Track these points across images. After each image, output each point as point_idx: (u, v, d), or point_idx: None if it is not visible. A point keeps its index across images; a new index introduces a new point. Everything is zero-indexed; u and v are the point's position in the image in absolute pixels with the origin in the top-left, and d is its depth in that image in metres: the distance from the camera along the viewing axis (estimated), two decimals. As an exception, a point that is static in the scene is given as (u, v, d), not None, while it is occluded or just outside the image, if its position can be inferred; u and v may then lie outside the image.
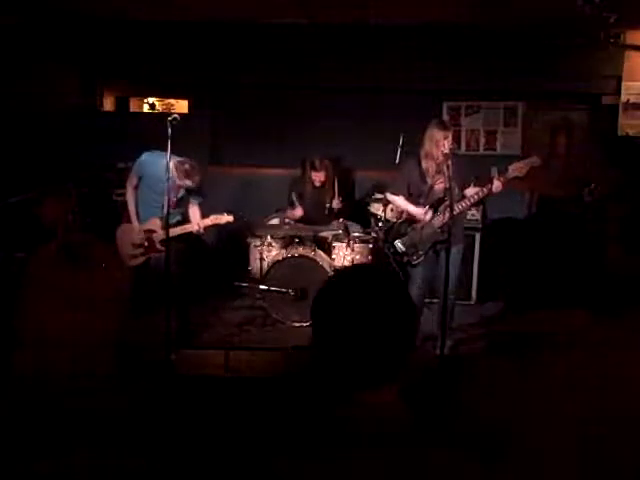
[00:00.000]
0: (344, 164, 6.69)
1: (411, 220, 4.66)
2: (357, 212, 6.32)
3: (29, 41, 5.83)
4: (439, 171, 4.45)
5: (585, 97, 6.71)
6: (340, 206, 5.86)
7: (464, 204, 4.43)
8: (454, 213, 4.14)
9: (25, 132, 5.72)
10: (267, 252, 5.50)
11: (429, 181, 4.54)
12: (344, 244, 5.45)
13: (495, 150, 6.89)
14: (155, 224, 4.71)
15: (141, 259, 4.80)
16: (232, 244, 6.40)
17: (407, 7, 5.38)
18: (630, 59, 6.34)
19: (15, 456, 1.24)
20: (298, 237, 5.50)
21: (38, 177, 5.58)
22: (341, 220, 5.79)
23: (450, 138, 4.38)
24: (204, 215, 4.82)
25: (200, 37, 6.60)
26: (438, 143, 4.36)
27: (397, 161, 5.25)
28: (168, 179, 4.21)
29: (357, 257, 5.48)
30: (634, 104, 6.41)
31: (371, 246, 5.52)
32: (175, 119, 4.10)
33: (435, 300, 4.88)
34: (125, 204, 4.89)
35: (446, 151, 4.27)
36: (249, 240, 5.70)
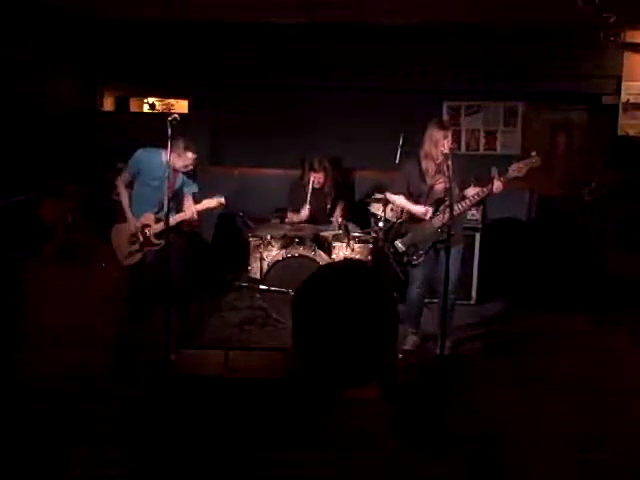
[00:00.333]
0: (344, 164, 6.70)
1: (411, 220, 4.66)
2: (357, 212, 6.32)
3: (29, 41, 5.83)
4: (439, 171, 4.45)
5: (585, 97, 6.70)
6: (341, 215, 5.88)
7: (464, 204, 4.43)
8: (454, 213, 4.13)
9: (25, 132, 5.73)
10: (267, 252, 5.50)
11: (429, 181, 4.54)
12: (344, 244, 5.45)
13: (495, 150, 6.89)
14: (149, 219, 4.75)
15: (137, 256, 4.81)
16: (232, 244, 6.40)
17: (407, 7, 5.39)
18: (630, 59, 6.35)
19: (16, 454, 1.24)
20: (298, 237, 5.50)
21: (38, 177, 5.58)
22: (341, 220, 5.79)
23: (450, 138, 4.38)
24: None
25: (200, 37, 6.60)
26: (438, 143, 4.36)
27: (397, 161, 5.25)
28: (168, 177, 4.21)
29: (357, 257, 5.48)
30: (634, 104, 6.41)
31: (371, 246, 5.52)
32: (175, 119, 4.11)
33: (435, 300, 4.88)
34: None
35: (446, 151, 4.27)
36: (249, 240, 5.70)
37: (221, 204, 4.82)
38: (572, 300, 5.42)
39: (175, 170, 4.68)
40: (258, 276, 5.41)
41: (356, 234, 5.61)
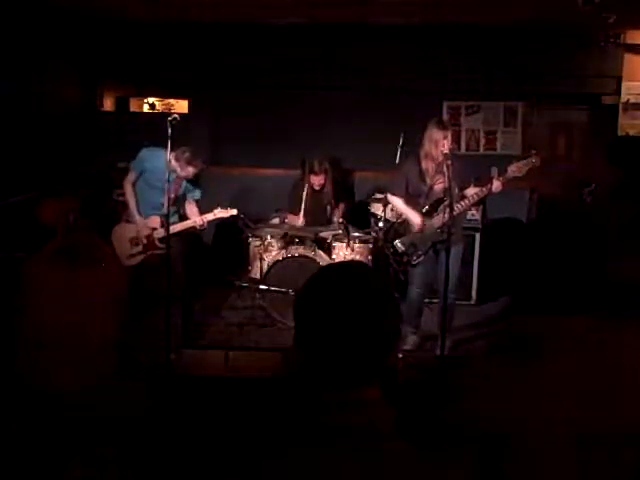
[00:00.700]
0: (344, 164, 6.70)
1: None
2: (357, 212, 6.32)
3: (29, 41, 5.83)
4: (439, 171, 4.45)
5: (585, 97, 6.71)
6: (341, 215, 5.89)
7: (464, 204, 4.43)
8: (454, 213, 4.13)
9: (25, 132, 5.72)
10: (267, 252, 5.49)
11: (428, 181, 4.54)
12: (344, 244, 5.45)
13: (495, 150, 6.88)
14: (155, 222, 4.71)
15: (139, 258, 4.79)
16: (232, 244, 6.40)
17: (408, 7, 5.39)
18: (630, 59, 6.35)
19: (14, 458, 1.24)
20: (298, 237, 5.50)
21: (38, 177, 5.58)
22: (341, 220, 5.79)
23: (450, 138, 4.38)
24: (202, 212, 4.83)
25: (200, 37, 6.61)
26: (438, 143, 4.36)
27: (397, 161, 5.25)
28: (169, 178, 4.21)
29: (357, 257, 5.48)
30: (634, 104, 6.41)
31: (371, 246, 5.52)
32: (175, 119, 4.11)
33: (435, 300, 4.88)
34: (125, 204, 4.88)
35: (446, 151, 4.27)
36: (249, 240, 5.69)
37: (233, 217, 4.81)
38: (573, 300, 5.42)
39: (177, 176, 4.66)
40: (258, 276, 5.41)
41: (356, 234, 5.61)
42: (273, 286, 5.25)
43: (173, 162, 4.45)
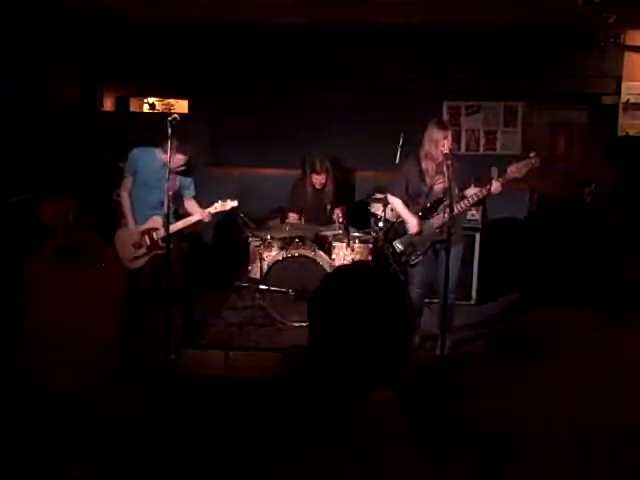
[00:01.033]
0: (344, 164, 6.69)
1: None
2: (357, 212, 6.32)
3: (29, 41, 5.83)
4: (439, 171, 4.44)
5: (585, 97, 6.71)
6: (342, 215, 5.89)
7: (464, 204, 4.42)
8: (454, 213, 4.13)
9: (25, 132, 5.72)
10: (267, 252, 5.49)
11: (428, 181, 4.54)
12: (344, 244, 5.45)
13: (495, 150, 6.89)
14: (156, 222, 4.70)
15: (143, 260, 4.79)
16: (232, 244, 6.40)
17: (408, 7, 5.39)
18: (630, 59, 6.35)
19: (15, 458, 1.24)
20: (298, 237, 5.50)
21: (38, 177, 5.58)
22: (341, 220, 5.79)
23: (450, 138, 4.37)
24: (202, 207, 4.84)
25: (200, 37, 6.61)
26: (438, 143, 4.35)
27: (397, 161, 5.25)
28: (169, 177, 4.21)
29: (357, 257, 5.48)
30: (634, 104, 6.41)
31: (371, 246, 5.51)
32: (175, 119, 4.11)
33: (435, 300, 4.88)
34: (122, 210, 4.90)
35: (446, 151, 4.26)
36: (249, 240, 5.69)
37: (234, 208, 4.84)
38: (573, 300, 5.41)
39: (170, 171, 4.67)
40: (258, 276, 5.41)
41: (356, 234, 5.61)
42: (273, 286, 5.25)
43: (162, 155, 4.46)
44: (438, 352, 4.32)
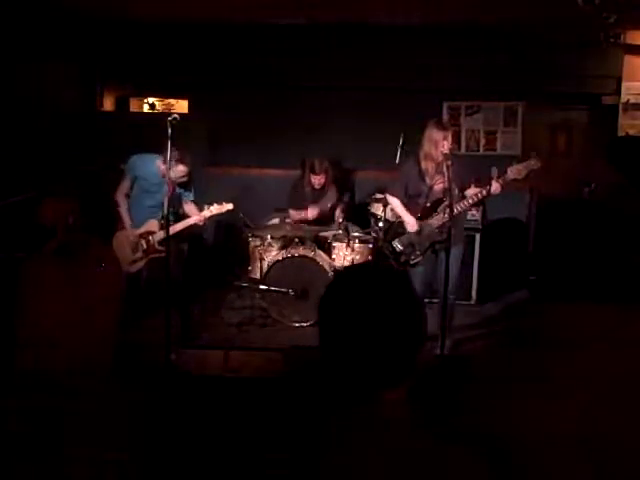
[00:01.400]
0: (344, 164, 6.69)
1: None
2: (357, 212, 6.32)
3: (29, 41, 5.82)
4: (439, 171, 4.44)
5: (585, 97, 6.70)
6: (342, 215, 5.88)
7: (464, 204, 4.42)
8: (453, 214, 4.13)
9: (25, 132, 5.72)
10: (267, 252, 5.49)
11: (428, 181, 4.54)
12: (344, 244, 5.45)
13: (495, 150, 6.88)
14: (153, 225, 4.73)
15: (141, 263, 4.81)
16: (232, 244, 6.40)
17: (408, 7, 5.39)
18: (630, 59, 6.35)
19: (15, 455, 1.24)
20: (298, 237, 5.49)
21: (38, 177, 5.58)
22: (341, 220, 5.79)
23: (449, 138, 4.37)
24: (200, 211, 4.85)
25: (200, 37, 6.60)
26: (437, 143, 4.35)
27: (397, 161, 5.25)
28: (167, 184, 4.22)
29: (357, 257, 5.48)
30: (634, 104, 6.41)
31: (371, 246, 5.51)
32: (175, 119, 4.10)
33: (435, 300, 4.88)
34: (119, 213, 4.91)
35: (445, 151, 4.26)
36: (249, 240, 5.69)
37: (229, 211, 4.85)
38: (574, 300, 5.41)
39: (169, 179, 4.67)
40: (258, 276, 5.41)
41: (356, 234, 5.61)
42: (273, 286, 5.24)
43: (162, 167, 4.48)
44: (438, 352, 4.32)
